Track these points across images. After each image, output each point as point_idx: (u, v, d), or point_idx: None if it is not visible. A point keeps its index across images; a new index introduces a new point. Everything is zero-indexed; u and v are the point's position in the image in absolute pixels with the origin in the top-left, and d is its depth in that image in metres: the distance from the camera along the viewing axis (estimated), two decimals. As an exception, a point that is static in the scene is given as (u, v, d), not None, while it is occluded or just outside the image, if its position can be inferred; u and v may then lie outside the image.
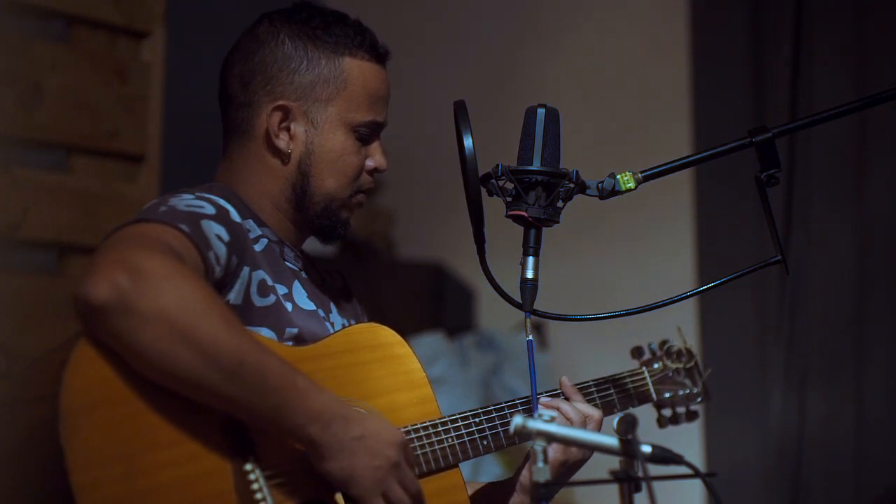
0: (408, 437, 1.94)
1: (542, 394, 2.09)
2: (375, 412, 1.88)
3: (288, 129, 2.02)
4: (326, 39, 2.02)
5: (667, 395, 2.24)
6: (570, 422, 2.03)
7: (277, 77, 2.01)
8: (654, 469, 1.59)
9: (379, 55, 2.06)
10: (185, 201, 1.87)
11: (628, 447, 1.58)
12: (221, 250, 1.85)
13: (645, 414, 2.20)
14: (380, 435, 1.82)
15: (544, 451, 1.57)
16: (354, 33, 2.04)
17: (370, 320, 2.10)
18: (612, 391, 2.17)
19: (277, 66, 2.01)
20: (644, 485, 1.57)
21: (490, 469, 3.64)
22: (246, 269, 1.91)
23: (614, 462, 1.61)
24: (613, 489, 1.60)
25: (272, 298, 1.94)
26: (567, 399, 2.08)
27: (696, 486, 3.23)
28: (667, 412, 2.27)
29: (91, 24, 2.95)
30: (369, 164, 2.06)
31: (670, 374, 2.25)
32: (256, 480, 1.77)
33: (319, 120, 2.02)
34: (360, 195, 2.07)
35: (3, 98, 2.75)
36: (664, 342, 2.27)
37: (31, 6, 2.85)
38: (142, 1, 3.04)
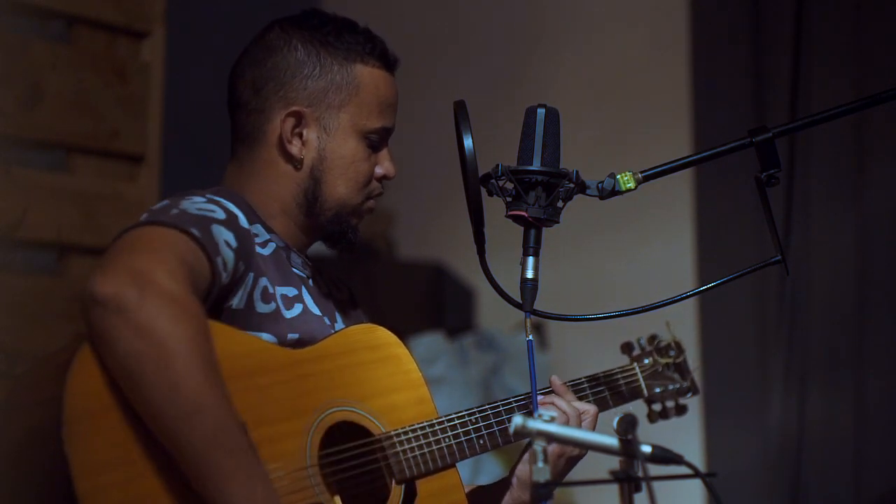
0: (405, 437, 1.95)
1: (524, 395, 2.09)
2: None
3: (300, 135, 2.02)
4: (338, 46, 2.03)
5: (657, 390, 2.26)
6: (565, 417, 2.03)
7: (290, 83, 2.02)
8: (654, 469, 1.59)
9: (389, 63, 2.07)
10: (197, 204, 1.87)
11: (628, 447, 1.58)
12: (229, 256, 1.85)
13: (636, 410, 2.21)
14: None
15: (544, 451, 1.57)
16: (365, 41, 2.05)
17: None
18: (604, 388, 2.18)
19: (290, 72, 2.02)
20: (644, 485, 1.57)
21: (489, 469, 3.64)
22: (251, 275, 1.91)
23: (614, 462, 1.61)
24: (613, 489, 1.60)
25: (273, 306, 1.94)
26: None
27: (696, 486, 3.22)
28: (657, 407, 2.29)
29: (91, 24, 2.95)
30: (378, 171, 2.07)
31: (660, 369, 2.26)
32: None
33: (332, 126, 2.03)
34: (369, 201, 2.08)
35: (3, 98, 2.75)
36: (653, 337, 2.29)
37: (31, 6, 2.85)
38: (142, 1, 3.04)
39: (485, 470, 3.62)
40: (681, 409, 2.29)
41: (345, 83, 2.02)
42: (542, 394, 2.09)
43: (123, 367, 1.67)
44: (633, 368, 2.24)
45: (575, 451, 2.04)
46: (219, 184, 2.07)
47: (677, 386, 2.27)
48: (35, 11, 2.86)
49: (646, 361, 2.26)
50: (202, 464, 1.68)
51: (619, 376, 2.21)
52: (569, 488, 3.63)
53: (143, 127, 3.00)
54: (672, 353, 2.28)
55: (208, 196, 1.92)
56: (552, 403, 2.05)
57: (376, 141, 2.06)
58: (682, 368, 2.29)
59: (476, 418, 2.03)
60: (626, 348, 2.28)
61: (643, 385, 2.24)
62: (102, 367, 1.69)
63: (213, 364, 1.70)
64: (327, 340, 1.97)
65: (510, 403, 2.07)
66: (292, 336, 1.93)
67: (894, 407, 3.50)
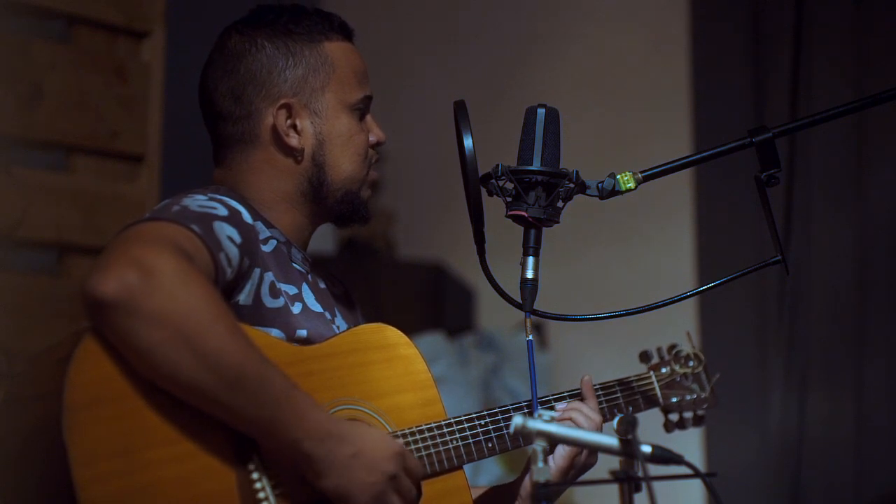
0: (412, 438, 1.95)
1: (553, 395, 2.10)
2: (369, 426, 1.87)
3: (295, 127, 2.03)
4: (301, 31, 2.04)
5: (674, 399, 2.24)
6: (592, 423, 2.03)
7: (269, 80, 2.02)
8: (654, 469, 1.59)
9: (348, 33, 2.10)
10: (198, 202, 1.87)
11: (628, 447, 1.58)
12: (233, 252, 1.85)
13: (651, 417, 2.20)
14: (375, 450, 1.81)
15: (544, 452, 1.57)
16: (322, 19, 2.07)
17: (370, 321, 2.11)
18: (619, 395, 2.17)
19: (266, 71, 2.03)
20: (644, 485, 1.57)
21: (490, 470, 3.64)
22: (257, 271, 1.91)
23: (614, 462, 1.61)
24: (613, 489, 1.60)
25: (282, 300, 1.94)
26: (583, 399, 2.08)
27: (696, 486, 3.22)
28: (674, 417, 2.26)
29: (91, 24, 2.95)
30: (371, 139, 2.09)
31: (678, 378, 2.24)
32: (259, 479, 1.77)
33: (321, 108, 2.04)
34: (372, 171, 2.10)
35: (3, 98, 2.75)
36: (672, 346, 2.26)
37: (31, 6, 2.85)
38: (142, 1, 3.04)
39: (485, 471, 3.62)
40: (698, 420, 2.27)
41: (320, 64, 2.04)
42: (571, 396, 2.10)
43: (154, 360, 1.67)
44: (650, 376, 2.23)
45: (591, 460, 2.04)
46: (211, 183, 2.07)
47: (694, 396, 2.25)
48: (35, 11, 2.86)
49: (663, 370, 2.24)
50: (261, 422, 1.73)
51: (635, 384, 2.20)
52: (569, 488, 3.63)
53: (143, 127, 3.01)
54: (691, 363, 2.26)
55: (209, 194, 1.92)
56: (578, 410, 2.05)
57: (363, 110, 2.08)
58: (700, 379, 2.27)
59: (486, 421, 2.02)
60: (644, 357, 2.26)
61: (659, 394, 2.22)
62: (103, 358, 1.69)
63: (235, 323, 1.73)
64: (335, 338, 1.96)
65: (521, 406, 2.07)
66: (300, 332, 1.93)
67: (894, 407, 3.50)
